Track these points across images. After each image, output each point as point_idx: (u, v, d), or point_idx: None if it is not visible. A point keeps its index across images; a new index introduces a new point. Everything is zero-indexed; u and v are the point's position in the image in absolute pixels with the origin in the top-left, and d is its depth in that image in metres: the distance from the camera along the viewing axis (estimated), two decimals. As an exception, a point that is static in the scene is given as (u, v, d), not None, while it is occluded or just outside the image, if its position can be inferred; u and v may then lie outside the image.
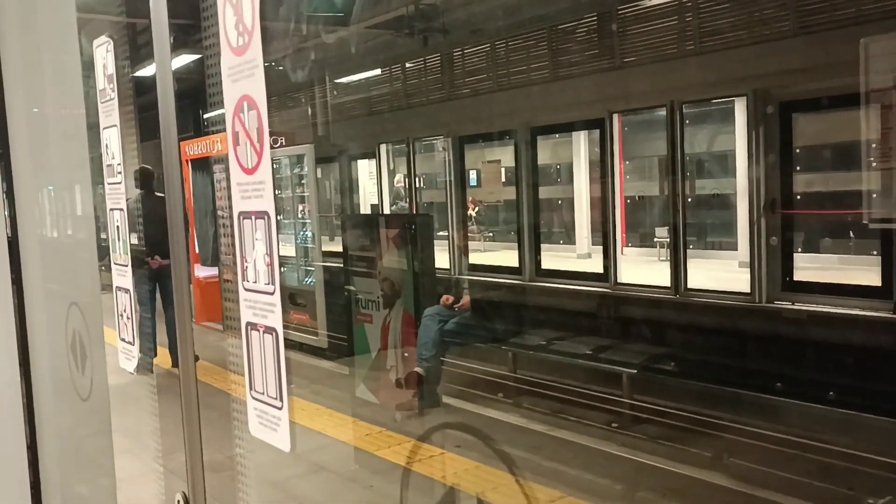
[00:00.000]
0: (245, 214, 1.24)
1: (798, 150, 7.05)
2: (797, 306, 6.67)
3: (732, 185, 9.04)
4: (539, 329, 7.98)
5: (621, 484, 5.24)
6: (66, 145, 2.20)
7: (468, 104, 10.07)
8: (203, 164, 10.22)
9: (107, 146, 1.75)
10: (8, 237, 2.11)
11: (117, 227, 1.78)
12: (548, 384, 6.88)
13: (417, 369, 6.26)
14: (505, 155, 10.54)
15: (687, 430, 5.90)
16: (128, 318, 1.77)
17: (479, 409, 6.61)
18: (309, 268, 8.38)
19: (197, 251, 10.94)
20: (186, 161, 10.05)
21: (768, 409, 5.80)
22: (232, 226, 1.26)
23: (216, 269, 9.79)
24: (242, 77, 1.18)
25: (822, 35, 6.43)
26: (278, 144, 8.37)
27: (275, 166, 8.39)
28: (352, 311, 6.86)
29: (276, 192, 9.13)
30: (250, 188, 1.22)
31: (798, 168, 7.02)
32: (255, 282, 1.24)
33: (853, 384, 5.56)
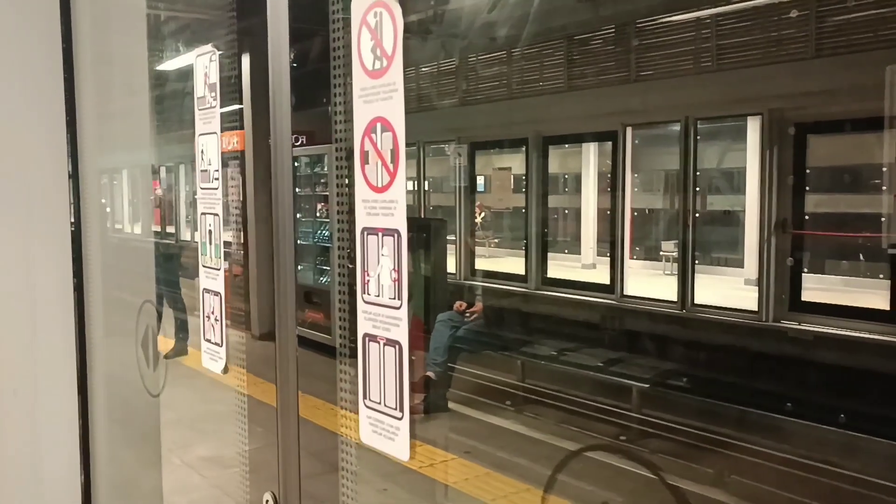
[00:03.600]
0: (370, 230, 1.28)
1: (810, 171, 7.11)
2: (804, 326, 6.72)
3: (741, 203, 9.11)
4: (545, 339, 8.01)
5: (624, 497, 5.28)
6: (130, 135, 2.23)
7: (481, 110, 10.11)
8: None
9: (202, 152, 1.79)
10: (72, 229, 2.13)
11: (209, 230, 1.81)
12: (555, 395, 6.92)
13: (429, 373, 6.31)
14: (515, 162, 10.59)
15: (690, 447, 5.94)
16: (216, 319, 1.80)
17: (485, 416, 6.65)
18: (325, 267, 8.40)
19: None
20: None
21: (772, 428, 5.85)
22: (353, 240, 1.29)
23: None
24: (377, 99, 1.22)
25: (839, 59, 6.49)
26: (299, 143, 8.39)
27: (296, 164, 8.41)
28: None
29: (297, 191, 9.17)
30: (378, 206, 1.25)
31: (809, 188, 7.09)
32: (379, 295, 1.27)
33: (860, 408, 5.61)
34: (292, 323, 1.47)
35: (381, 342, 1.28)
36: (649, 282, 9.33)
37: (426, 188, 11.37)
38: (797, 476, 5.16)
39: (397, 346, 1.25)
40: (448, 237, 10.16)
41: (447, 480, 5.42)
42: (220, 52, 1.71)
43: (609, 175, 9.08)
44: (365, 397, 1.31)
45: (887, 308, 6.28)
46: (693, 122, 7.68)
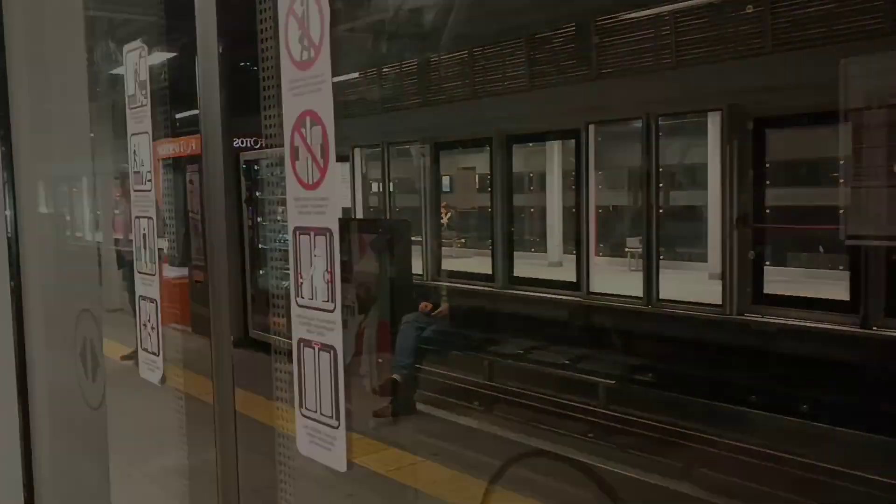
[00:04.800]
0: (302, 230, 1.22)
1: (769, 166, 7.18)
2: (767, 319, 6.78)
3: (704, 198, 9.17)
4: (513, 338, 8.00)
5: (593, 493, 5.27)
6: (69, 142, 2.15)
7: (445, 110, 10.07)
8: (173, 164, 10.06)
9: (135, 153, 1.72)
10: (8, 236, 2.04)
11: (144, 234, 1.73)
12: (523, 393, 6.90)
13: (395, 376, 6.24)
14: (479, 162, 10.57)
15: (658, 441, 5.95)
16: (152, 328, 1.72)
17: (453, 417, 6.61)
18: (287, 270, 8.30)
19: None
20: (158, 160, 9.87)
21: (738, 420, 5.90)
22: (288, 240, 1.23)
23: (185, 269, 9.63)
24: (306, 91, 1.16)
25: (795, 54, 6.56)
26: (258, 146, 8.28)
27: (255, 168, 8.31)
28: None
29: (257, 194, 9.04)
30: (310, 204, 1.19)
31: (769, 182, 7.15)
32: (312, 298, 1.22)
33: (822, 397, 5.67)
34: (227, 323, 1.41)
35: (316, 347, 1.22)
36: (615, 278, 9.35)
37: (391, 189, 11.29)
38: (761, 466, 5.20)
39: (332, 352, 1.19)
40: (414, 238, 10.11)
41: (416, 484, 5.37)
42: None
43: (573, 173, 9.09)
44: (301, 406, 1.25)
45: (847, 298, 6.36)
46: (654, 119, 7.72)
